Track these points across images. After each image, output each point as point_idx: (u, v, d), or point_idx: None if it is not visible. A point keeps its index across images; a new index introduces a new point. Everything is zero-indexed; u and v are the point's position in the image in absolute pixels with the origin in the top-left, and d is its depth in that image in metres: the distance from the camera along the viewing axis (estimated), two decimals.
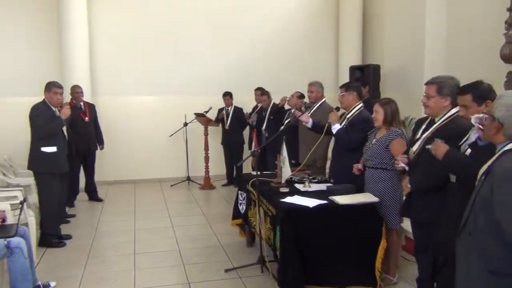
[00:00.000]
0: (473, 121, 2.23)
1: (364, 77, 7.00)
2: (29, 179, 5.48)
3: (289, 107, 6.29)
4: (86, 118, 6.58)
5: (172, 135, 7.86)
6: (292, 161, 4.57)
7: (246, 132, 7.93)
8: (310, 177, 4.28)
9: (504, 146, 2.02)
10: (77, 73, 7.33)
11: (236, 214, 4.78)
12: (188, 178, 8.02)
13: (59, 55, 7.48)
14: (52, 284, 3.83)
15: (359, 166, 3.87)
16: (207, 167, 7.79)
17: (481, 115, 2.16)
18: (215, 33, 8.31)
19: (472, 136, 2.62)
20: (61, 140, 4.90)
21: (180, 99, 8.20)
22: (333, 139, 4.49)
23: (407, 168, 3.20)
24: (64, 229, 5.32)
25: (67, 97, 6.52)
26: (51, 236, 4.92)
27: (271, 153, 5.65)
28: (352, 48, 8.51)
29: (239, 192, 4.76)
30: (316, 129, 4.50)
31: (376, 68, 7.32)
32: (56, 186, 4.88)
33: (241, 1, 8.44)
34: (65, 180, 5.16)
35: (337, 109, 4.40)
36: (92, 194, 6.96)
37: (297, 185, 4.05)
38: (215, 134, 8.09)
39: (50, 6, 7.52)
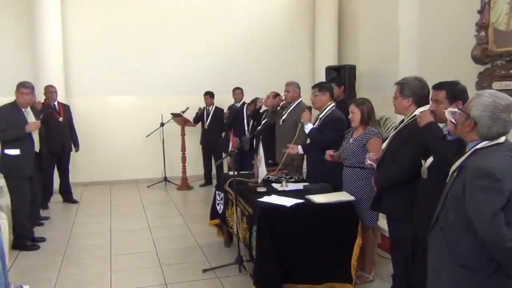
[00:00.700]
0: (447, 114, 2.26)
1: (340, 77, 7.07)
2: (1, 181, 5.36)
3: (265, 108, 6.31)
4: (60, 118, 6.47)
5: (148, 135, 7.79)
6: (269, 161, 4.60)
7: None
8: (287, 177, 4.30)
9: (476, 145, 2.05)
10: (50, 73, 7.20)
11: (214, 214, 4.78)
12: (165, 179, 7.97)
13: (32, 55, 7.33)
14: (26, 287, 3.75)
15: (331, 152, 3.86)
16: (184, 167, 7.76)
17: (456, 110, 2.19)
18: (192, 34, 8.27)
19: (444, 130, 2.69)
20: (26, 142, 4.75)
21: (157, 99, 8.15)
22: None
23: (375, 165, 3.27)
24: (38, 231, 5.23)
25: (40, 98, 6.45)
26: (24, 238, 4.82)
27: (251, 153, 5.66)
28: (328, 49, 8.60)
29: (217, 192, 4.76)
30: (306, 149, 4.47)
31: (351, 69, 7.41)
32: (25, 188, 4.78)
33: (219, 1, 8.42)
34: (37, 181, 5.07)
35: (309, 109, 4.44)
36: (67, 195, 6.85)
37: (274, 185, 4.07)
38: (192, 134, 8.05)
39: (22, 4, 7.36)
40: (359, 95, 6.94)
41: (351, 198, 3.58)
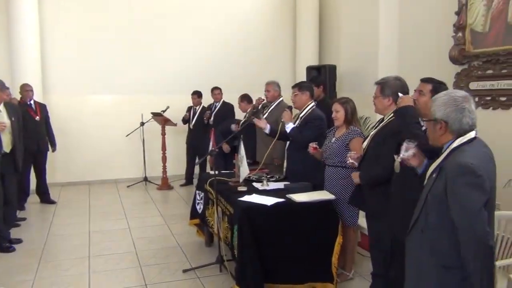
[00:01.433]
0: (402, 151, 2.40)
1: (320, 77, 7.11)
2: None
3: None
4: (37, 117, 6.35)
5: (128, 134, 7.70)
6: (248, 160, 4.59)
7: None
8: (268, 176, 4.31)
9: (451, 144, 2.07)
10: (28, 71, 7.07)
11: (194, 214, 4.75)
12: (145, 179, 7.90)
13: (9, 52, 7.18)
14: None
15: (314, 144, 3.85)
16: (164, 167, 7.70)
17: (411, 146, 2.31)
18: (173, 33, 8.22)
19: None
20: None
21: (137, 98, 8.05)
22: None
23: (356, 164, 3.31)
24: (14, 233, 5.12)
25: (17, 96, 6.33)
26: (0, 239, 4.72)
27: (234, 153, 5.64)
28: (309, 48, 8.64)
29: (197, 191, 4.74)
30: (274, 134, 4.52)
31: (332, 68, 7.46)
32: None
33: (200, 1, 8.38)
34: (13, 181, 4.96)
35: (290, 108, 4.46)
36: (44, 196, 6.72)
37: (255, 184, 4.07)
38: (173, 134, 8.00)
39: None
40: (340, 94, 6.99)
41: (332, 197, 3.60)
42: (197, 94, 7.74)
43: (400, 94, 2.91)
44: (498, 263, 2.77)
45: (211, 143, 7.15)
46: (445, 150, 2.09)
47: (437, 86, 2.77)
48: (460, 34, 5.16)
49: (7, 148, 4.81)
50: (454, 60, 5.24)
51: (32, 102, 6.38)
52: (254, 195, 3.70)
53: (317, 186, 3.83)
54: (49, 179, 6.89)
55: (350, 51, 7.75)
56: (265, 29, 8.80)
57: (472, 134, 2.05)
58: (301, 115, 4.35)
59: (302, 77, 7.66)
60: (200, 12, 8.36)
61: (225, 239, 3.86)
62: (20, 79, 6.67)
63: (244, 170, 4.01)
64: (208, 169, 7.38)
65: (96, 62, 7.86)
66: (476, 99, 4.73)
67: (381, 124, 3.21)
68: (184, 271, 4.12)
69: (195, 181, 7.66)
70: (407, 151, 2.36)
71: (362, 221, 3.83)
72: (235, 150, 5.51)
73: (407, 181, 2.69)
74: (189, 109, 7.85)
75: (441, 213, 2.01)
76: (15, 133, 4.90)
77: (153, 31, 8.09)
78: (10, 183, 4.93)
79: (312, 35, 8.63)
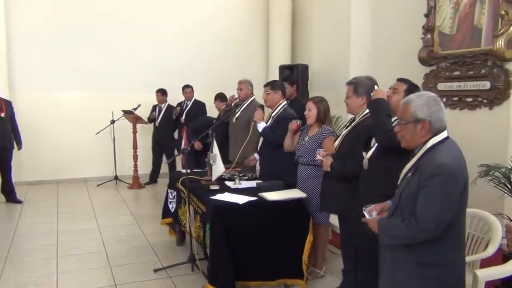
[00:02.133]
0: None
1: (293, 76, 7.16)
2: None
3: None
4: (2, 114, 6.18)
5: (98, 132, 7.54)
6: None
7: None
8: (241, 175, 4.30)
9: (426, 142, 2.08)
10: None
11: (166, 213, 4.71)
12: (116, 178, 7.77)
13: None
14: None
15: (298, 122, 3.91)
16: (135, 166, 7.60)
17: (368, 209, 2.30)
18: (145, 30, 8.08)
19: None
20: None
21: (107, 95, 7.90)
22: None
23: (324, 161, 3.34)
24: None
25: None
26: None
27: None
28: (282, 48, 8.66)
29: (169, 190, 4.69)
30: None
31: (304, 68, 7.53)
32: None
33: None
34: None
35: (262, 107, 4.46)
36: (10, 195, 6.53)
37: (228, 183, 4.06)
38: (145, 132, 7.90)
39: None
40: (312, 94, 7.05)
41: (303, 195, 3.62)
42: (161, 92, 7.68)
43: (376, 87, 2.96)
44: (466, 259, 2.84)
45: (183, 141, 7.11)
46: (419, 149, 2.11)
47: (412, 88, 2.83)
48: (428, 36, 5.28)
49: None
50: (422, 61, 5.35)
51: None
52: (226, 193, 3.69)
53: (290, 185, 3.85)
54: (16, 177, 6.70)
55: (322, 50, 7.82)
56: (239, 28, 8.78)
57: (445, 134, 2.09)
58: (272, 114, 4.36)
59: (275, 76, 7.69)
60: (173, 10, 8.28)
61: (197, 238, 3.84)
62: None
63: (218, 168, 3.99)
64: (178, 168, 7.34)
65: (64, 58, 7.66)
66: (444, 99, 4.85)
67: (352, 124, 3.25)
68: (155, 270, 4.07)
69: (161, 180, 7.63)
70: (370, 214, 2.33)
71: (333, 218, 3.88)
72: (207, 148, 5.52)
73: (375, 177, 2.74)
74: (154, 107, 7.79)
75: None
76: None
77: (124, 27, 7.95)
78: None
79: (285, 35, 8.66)
